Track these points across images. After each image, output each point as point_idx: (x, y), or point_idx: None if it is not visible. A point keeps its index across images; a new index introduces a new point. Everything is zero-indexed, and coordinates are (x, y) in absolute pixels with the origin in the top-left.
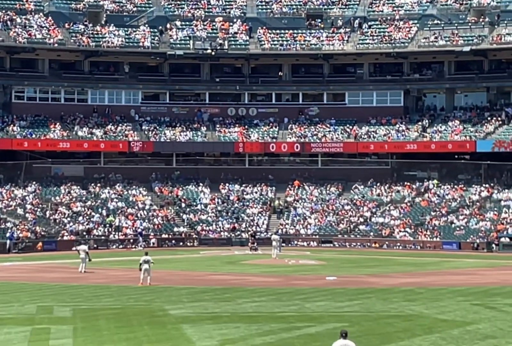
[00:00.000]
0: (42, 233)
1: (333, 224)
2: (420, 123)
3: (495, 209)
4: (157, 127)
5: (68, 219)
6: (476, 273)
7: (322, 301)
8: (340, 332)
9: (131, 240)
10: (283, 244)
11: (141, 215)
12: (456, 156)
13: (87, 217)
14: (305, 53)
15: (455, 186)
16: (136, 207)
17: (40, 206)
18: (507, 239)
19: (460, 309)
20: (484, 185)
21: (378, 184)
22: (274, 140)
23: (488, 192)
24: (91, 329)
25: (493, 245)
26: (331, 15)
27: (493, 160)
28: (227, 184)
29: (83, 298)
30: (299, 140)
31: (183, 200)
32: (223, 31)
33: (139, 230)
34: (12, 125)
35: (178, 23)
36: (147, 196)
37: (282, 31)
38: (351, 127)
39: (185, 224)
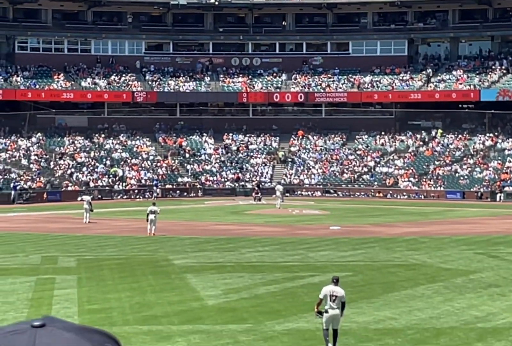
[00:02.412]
0: (47, 184)
1: (337, 173)
2: (424, 72)
3: (499, 158)
4: (161, 77)
5: (72, 169)
6: (480, 222)
7: (326, 251)
8: (332, 278)
9: (138, 191)
10: (287, 194)
11: (145, 165)
12: (460, 105)
13: (91, 168)
14: (309, 2)
15: (459, 135)
16: (140, 158)
17: (44, 156)
18: (511, 188)
19: (463, 258)
20: (488, 134)
21: (382, 134)
22: (278, 90)
23: (492, 141)
24: (95, 279)
25: (497, 194)
26: None
27: (497, 110)
28: (231, 134)
29: (87, 248)
30: (303, 90)
31: (187, 150)
32: None
33: (154, 182)
34: (15, 75)
35: None
36: (151, 146)
37: None
38: (355, 77)
39: (189, 174)
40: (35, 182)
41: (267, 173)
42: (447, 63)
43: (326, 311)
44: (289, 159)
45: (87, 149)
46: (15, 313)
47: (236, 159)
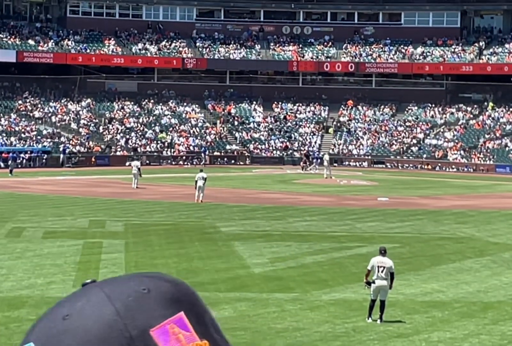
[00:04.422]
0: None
1: (386, 144)
2: (476, 45)
3: None
4: (211, 44)
5: (121, 134)
6: None
7: (373, 222)
8: (379, 248)
9: (186, 157)
10: (335, 164)
11: (193, 132)
12: None
13: (140, 133)
14: None
15: (510, 109)
16: (189, 124)
17: (94, 121)
18: None
19: None
20: None
21: (432, 105)
22: (328, 59)
23: None
24: (143, 244)
25: None
26: None
27: None
28: (280, 103)
29: (135, 214)
30: (354, 60)
31: (235, 118)
32: None
33: (203, 149)
34: (67, 39)
35: None
36: (200, 113)
37: None
38: (406, 47)
39: (237, 142)
40: (84, 146)
41: (315, 142)
42: (500, 36)
43: (374, 282)
44: (333, 130)
45: (136, 114)
46: (63, 276)
47: (284, 128)
